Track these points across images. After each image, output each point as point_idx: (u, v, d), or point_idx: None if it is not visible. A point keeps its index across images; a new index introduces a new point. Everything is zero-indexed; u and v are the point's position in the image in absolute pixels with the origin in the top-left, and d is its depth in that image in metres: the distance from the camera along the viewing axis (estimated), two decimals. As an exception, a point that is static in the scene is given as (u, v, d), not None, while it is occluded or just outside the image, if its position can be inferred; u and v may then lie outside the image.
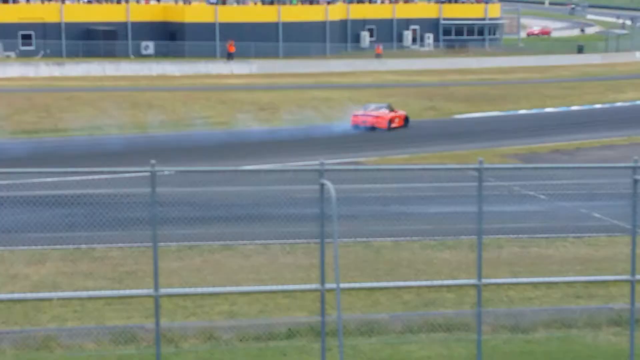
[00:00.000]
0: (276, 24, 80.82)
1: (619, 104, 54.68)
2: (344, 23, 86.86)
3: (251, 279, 16.73)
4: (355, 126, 41.82)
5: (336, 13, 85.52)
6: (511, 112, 49.93)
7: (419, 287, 15.59)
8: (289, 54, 78.81)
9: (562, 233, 20.63)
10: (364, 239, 19.68)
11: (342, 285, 11.43)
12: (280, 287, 14.42)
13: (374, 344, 13.37)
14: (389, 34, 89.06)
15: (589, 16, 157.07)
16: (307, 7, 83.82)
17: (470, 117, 48.19)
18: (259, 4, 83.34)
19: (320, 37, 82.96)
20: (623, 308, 13.82)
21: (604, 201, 22.23)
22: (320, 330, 11.72)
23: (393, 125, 42.14)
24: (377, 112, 42.33)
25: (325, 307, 11.63)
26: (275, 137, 38.38)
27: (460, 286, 15.30)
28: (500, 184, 24.46)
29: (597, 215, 21.99)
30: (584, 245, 20.00)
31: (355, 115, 42.37)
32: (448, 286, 15.57)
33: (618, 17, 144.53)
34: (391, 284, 15.37)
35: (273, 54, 78.22)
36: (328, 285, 11.50)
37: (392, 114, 42.62)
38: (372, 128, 41.63)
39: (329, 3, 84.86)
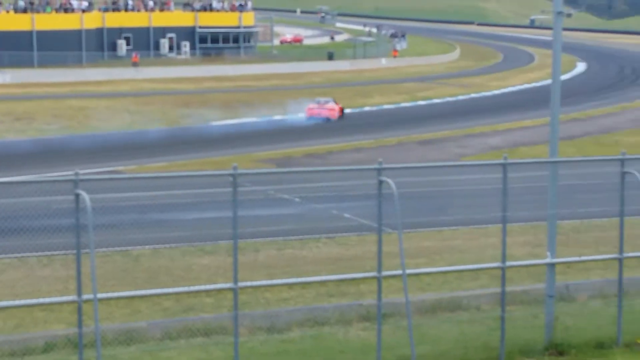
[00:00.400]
0: (30, 33, 78.28)
1: (367, 108, 56.97)
2: (100, 31, 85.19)
3: (6, 293, 16.33)
4: (311, 117, 49.55)
5: (92, 21, 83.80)
6: (267, 118, 50.91)
7: (178, 293, 15.74)
8: (44, 63, 76.49)
9: (315, 234, 21.40)
10: (123, 248, 19.63)
11: (99, 295, 11.44)
12: (36, 301, 14.16)
13: (133, 352, 13.42)
14: (146, 42, 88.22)
15: (338, 24, 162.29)
16: (62, 16, 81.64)
17: (227, 123, 48.76)
18: (12, 12, 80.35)
19: (76, 45, 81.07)
20: (371, 304, 14.51)
21: (353, 202, 23.21)
22: (78, 342, 11.67)
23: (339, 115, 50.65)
24: (328, 105, 50.76)
25: (84, 318, 11.58)
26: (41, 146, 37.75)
27: (219, 290, 15.56)
28: (256, 189, 24.98)
29: (347, 215, 22.94)
30: (335, 245, 20.86)
31: (311, 109, 50.39)
32: (207, 291, 15.81)
33: (365, 25, 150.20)
34: (150, 291, 15.46)
35: (28, 63, 75.73)
36: (85, 296, 11.45)
37: (338, 107, 51.05)
38: (327, 119, 49.58)
39: (84, 11, 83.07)
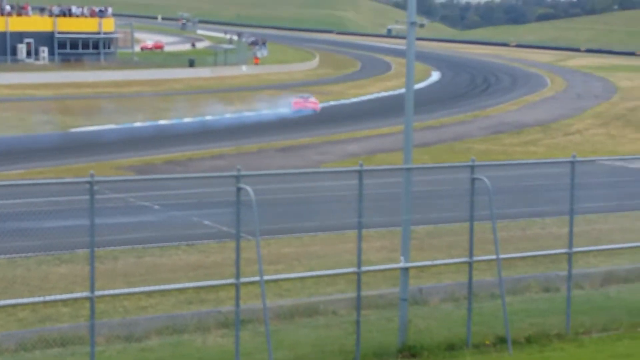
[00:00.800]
0: None
1: (227, 115, 56.97)
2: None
3: None
4: (298, 110, 57.95)
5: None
6: (127, 125, 50.39)
7: (34, 303, 15.47)
8: None
9: (175, 241, 21.36)
10: (-24, 259, 19.19)
11: (-49, 306, 11.22)
12: None
13: (-14, 364, 13.19)
14: (2, 47, 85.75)
15: (199, 31, 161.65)
16: None
17: (86, 130, 48.04)
18: None
19: None
20: (230, 310, 14.62)
21: (213, 209, 23.26)
22: None
23: None
24: (311, 99, 60.17)
25: None
26: None
27: (76, 299, 15.37)
28: (115, 196, 24.77)
29: (207, 222, 22.98)
30: (195, 252, 20.86)
31: (297, 102, 59.15)
32: (63, 300, 15.59)
33: (226, 32, 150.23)
34: (4, 302, 15.15)
35: None
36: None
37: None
38: (313, 111, 58.52)
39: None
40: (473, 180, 15.28)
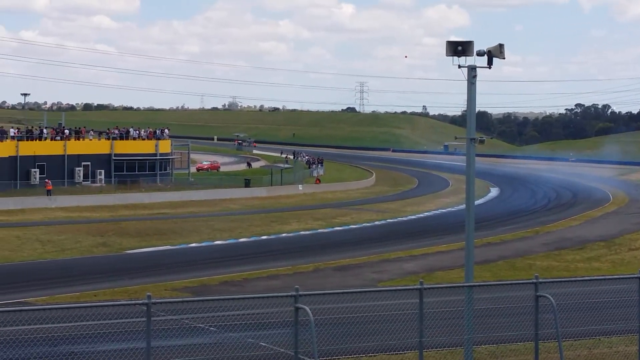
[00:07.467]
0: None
1: (283, 234, 56.87)
2: (13, 160, 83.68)
3: None
4: None
5: (5, 150, 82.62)
6: (182, 246, 50.47)
7: None
8: (-47, 192, 75.00)
9: (230, 364, 20.83)
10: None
11: None
12: None
13: None
14: (60, 170, 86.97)
15: (255, 151, 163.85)
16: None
17: (142, 252, 48.15)
18: None
19: (-12, 175, 79.93)
20: None
21: (270, 330, 22.80)
22: None
23: None
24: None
25: None
26: None
27: None
28: (170, 318, 24.40)
29: (263, 344, 22.48)
30: (251, 375, 20.31)
31: None
32: None
33: (282, 152, 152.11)
34: None
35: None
36: None
37: None
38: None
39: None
40: (537, 297, 14.75)
